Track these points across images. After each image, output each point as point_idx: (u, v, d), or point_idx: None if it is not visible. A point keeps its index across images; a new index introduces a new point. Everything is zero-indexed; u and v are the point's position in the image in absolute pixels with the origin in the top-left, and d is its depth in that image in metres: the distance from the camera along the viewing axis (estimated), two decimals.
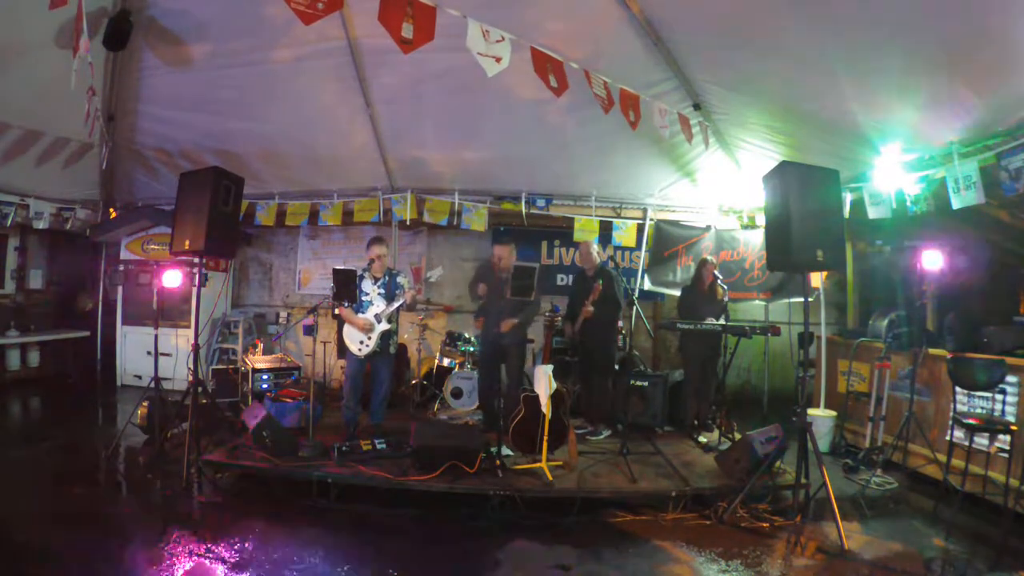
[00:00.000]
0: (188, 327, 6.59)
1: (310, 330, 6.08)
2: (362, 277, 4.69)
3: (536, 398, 3.99)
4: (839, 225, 3.85)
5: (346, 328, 4.68)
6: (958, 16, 3.01)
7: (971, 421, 3.52)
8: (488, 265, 4.98)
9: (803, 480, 3.70)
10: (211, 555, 2.98)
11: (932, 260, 4.39)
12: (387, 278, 4.73)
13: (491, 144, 5.55)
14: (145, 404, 4.70)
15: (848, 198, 4.91)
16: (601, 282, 4.78)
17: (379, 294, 4.67)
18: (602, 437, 4.93)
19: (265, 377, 5.56)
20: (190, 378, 4.27)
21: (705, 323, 4.96)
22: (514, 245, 5.05)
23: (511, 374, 4.77)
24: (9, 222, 6.06)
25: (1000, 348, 4.15)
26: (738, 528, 3.52)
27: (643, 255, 6.65)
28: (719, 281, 5.13)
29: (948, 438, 3.93)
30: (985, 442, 3.66)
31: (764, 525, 3.55)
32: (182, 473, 3.92)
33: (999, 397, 3.73)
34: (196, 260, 4.47)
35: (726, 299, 5.18)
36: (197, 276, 4.45)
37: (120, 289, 7.00)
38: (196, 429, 4.01)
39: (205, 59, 4.52)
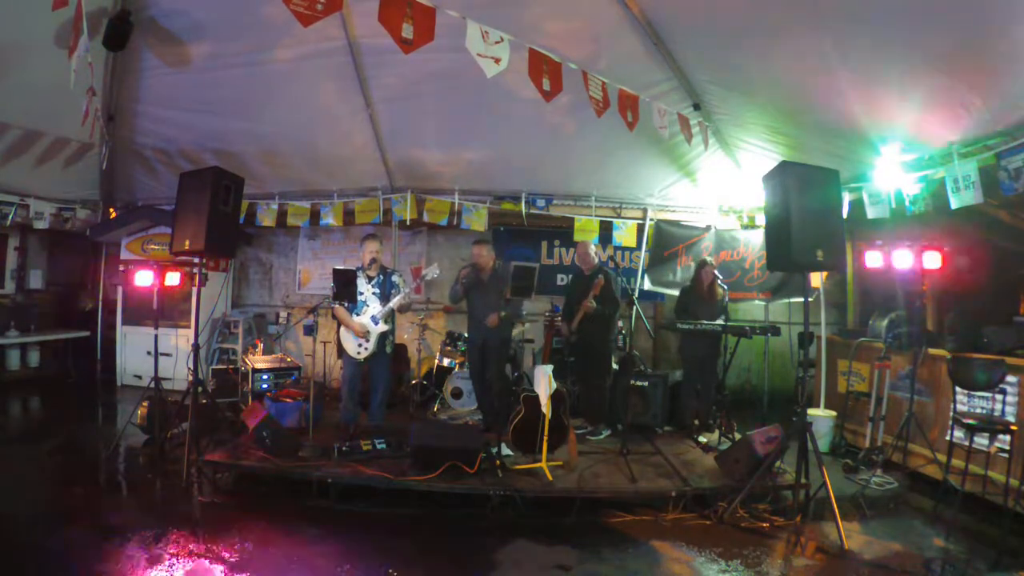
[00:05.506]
0: (188, 327, 6.58)
1: (310, 330, 6.08)
2: (357, 277, 4.68)
3: (536, 398, 3.99)
4: (839, 225, 3.85)
5: (343, 330, 4.67)
6: (958, 16, 3.01)
7: (971, 421, 3.52)
8: (471, 268, 4.97)
9: (803, 480, 3.70)
10: (211, 555, 2.98)
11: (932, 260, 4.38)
12: (382, 277, 4.72)
13: (491, 144, 5.55)
14: (145, 404, 4.70)
15: (847, 198, 4.91)
16: (602, 277, 4.79)
17: (374, 294, 4.66)
18: (602, 437, 4.92)
19: (265, 377, 5.56)
20: (190, 378, 4.27)
21: (705, 323, 4.96)
22: (491, 245, 5.10)
23: (494, 372, 4.76)
24: (9, 222, 6.07)
25: (1000, 348, 4.14)
26: (738, 528, 3.52)
27: (643, 255, 6.65)
28: (719, 281, 5.13)
29: (948, 438, 3.92)
30: (985, 442, 3.66)
31: (764, 525, 3.55)
32: (182, 473, 3.92)
33: (999, 397, 3.73)
34: (196, 260, 4.47)
35: (726, 300, 5.19)
36: (197, 276, 4.45)
37: (120, 289, 7.00)
38: (196, 429, 4.01)
39: (205, 59, 4.52)
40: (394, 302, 4.59)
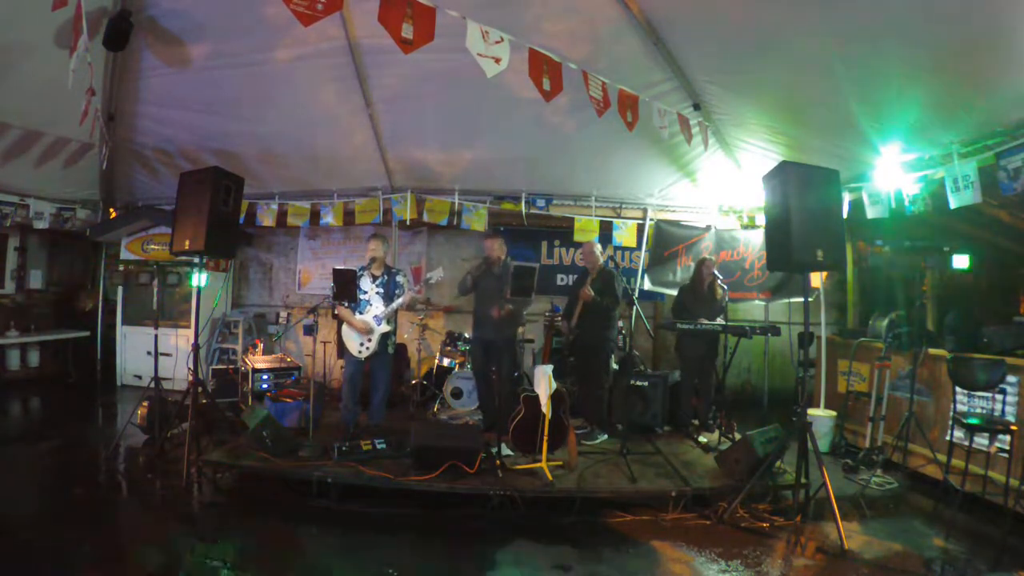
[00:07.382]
0: (188, 327, 6.58)
1: (310, 330, 6.08)
2: (361, 275, 4.69)
3: (536, 398, 3.99)
4: (839, 225, 3.85)
5: (345, 329, 4.67)
6: (958, 16, 3.01)
7: (971, 420, 3.52)
8: (482, 263, 4.99)
9: (803, 480, 3.70)
10: (211, 555, 2.97)
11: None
12: (386, 277, 4.72)
13: (491, 144, 5.54)
14: (145, 404, 4.70)
15: (847, 198, 4.91)
16: (602, 269, 4.80)
17: (377, 293, 4.66)
18: (598, 442, 4.84)
19: (265, 377, 5.56)
20: (190, 378, 4.27)
21: (705, 323, 4.96)
22: (503, 238, 5.11)
23: (502, 374, 4.78)
24: (9, 222, 6.07)
25: (1000, 348, 4.14)
26: (738, 528, 3.52)
27: (643, 255, 6.65)
28: (719, 281, 5.13)
29: (948, 438, 3.93)
30: (985, 442, 3.66)
31: (764, 525, 3.55)
32: (182, 473, 3.92)
33: (999, 397, 3.73)
34: (196, 260, 4.47)
35: (726, 299, 5.18)
36: (197, 276, 4.45)
37: (120, 289, 7.00)
38: (196, 429, 4.01)
39: (205, 59, 4.52)
40: (396, 303, 4.59)
